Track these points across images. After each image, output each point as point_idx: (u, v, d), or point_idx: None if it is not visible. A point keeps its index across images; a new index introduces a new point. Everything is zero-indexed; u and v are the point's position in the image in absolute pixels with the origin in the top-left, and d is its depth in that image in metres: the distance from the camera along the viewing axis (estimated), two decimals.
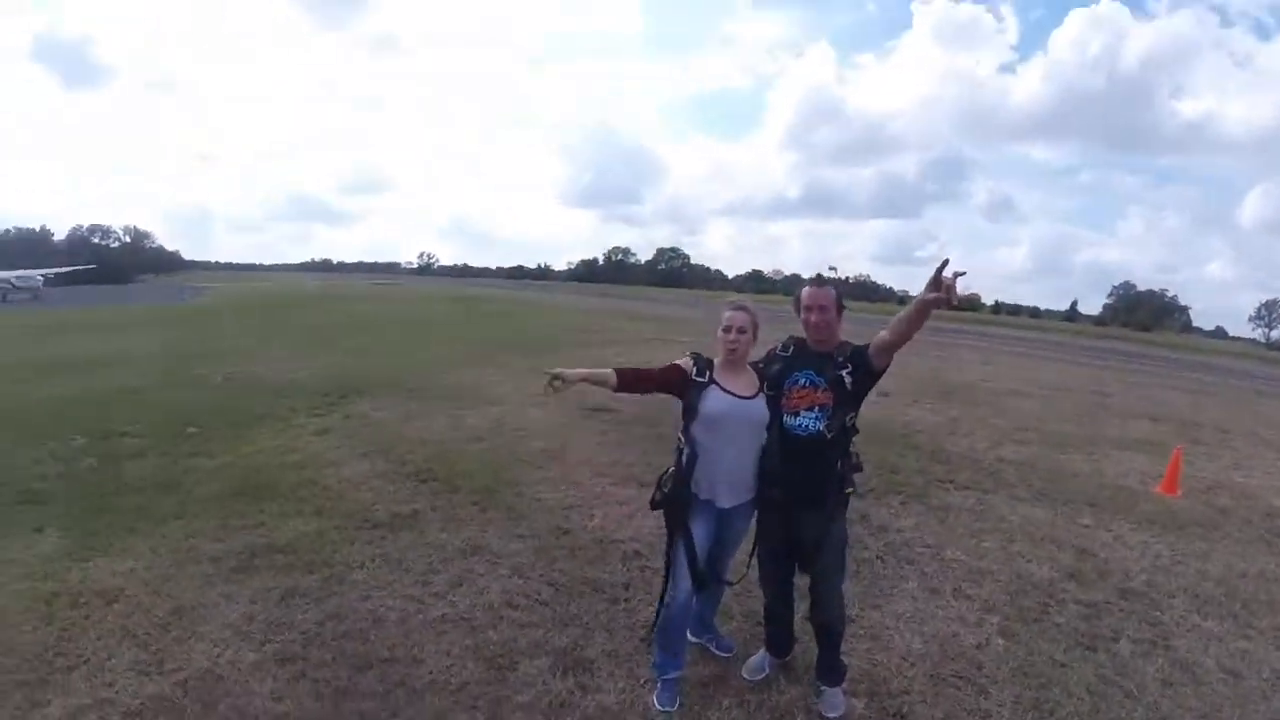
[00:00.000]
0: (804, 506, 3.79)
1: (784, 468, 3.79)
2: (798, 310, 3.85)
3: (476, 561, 5.16)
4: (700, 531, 3.72)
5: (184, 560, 5.11)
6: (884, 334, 3.63)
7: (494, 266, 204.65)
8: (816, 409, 3.77)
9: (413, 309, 35.66)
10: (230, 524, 5.71)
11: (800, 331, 3.89)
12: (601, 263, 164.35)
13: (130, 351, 16.41)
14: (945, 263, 3.30)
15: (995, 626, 4.85)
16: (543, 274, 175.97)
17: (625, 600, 4.79)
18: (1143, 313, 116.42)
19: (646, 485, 6.74)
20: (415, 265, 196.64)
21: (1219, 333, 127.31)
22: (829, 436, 3.74)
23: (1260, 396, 25.40)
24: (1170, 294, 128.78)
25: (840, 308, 3.84)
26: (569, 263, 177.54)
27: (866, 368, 3.76)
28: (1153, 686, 4.31)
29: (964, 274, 3.26)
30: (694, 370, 3.75)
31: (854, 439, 3.86)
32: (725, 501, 3.75)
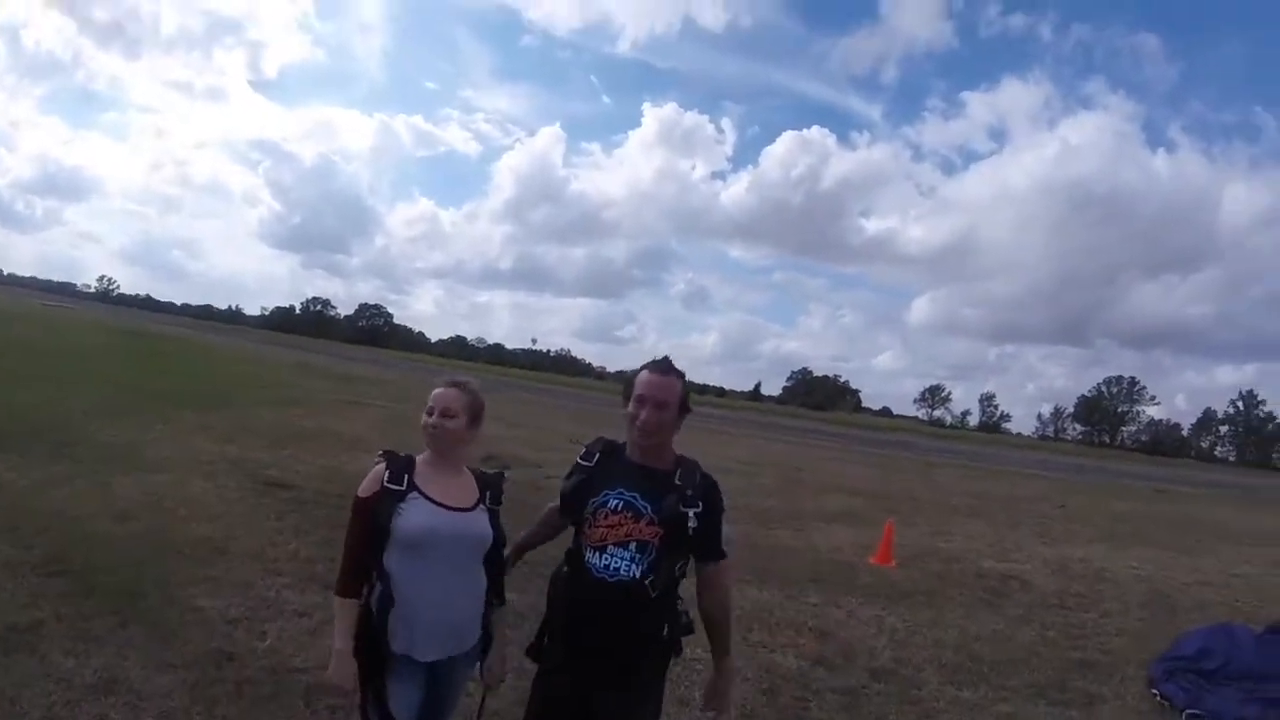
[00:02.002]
0: (601, 683, 2.81)
1: (577, 628, 2.86)
2: (626, 399, 2.92)
3: (113, 704, 3.96)
4: (403, 698, 2.77)
5: None
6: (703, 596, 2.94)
7: (180, 302, 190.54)
8: (633, 546, 2.79)
9: (79, 340, 31.81)
10: None
11: (610, 431, 3.14)
12: (299, 312, 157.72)
13: None
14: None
15: None
16: (234, 317, 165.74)
17: None
18: (819, 394, 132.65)
19: (330, 587, 5.94)
20: (94, 289, 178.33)
21: (885, 412, 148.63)
22: (650, 591, 2.79)
23: (933, 468, 28.59)
24: (843, 379, 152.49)
25: (684, 409, 2.94)
26: (264, 308, 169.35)
27: (713, 520, 2.88)
28: None
29: None
30: (386, 475, 2.81)
31: (678, 588, 2.95)
32: (431, 654, 2.78)
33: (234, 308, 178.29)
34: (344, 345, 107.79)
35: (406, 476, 2.82)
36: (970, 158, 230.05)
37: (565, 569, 2.97)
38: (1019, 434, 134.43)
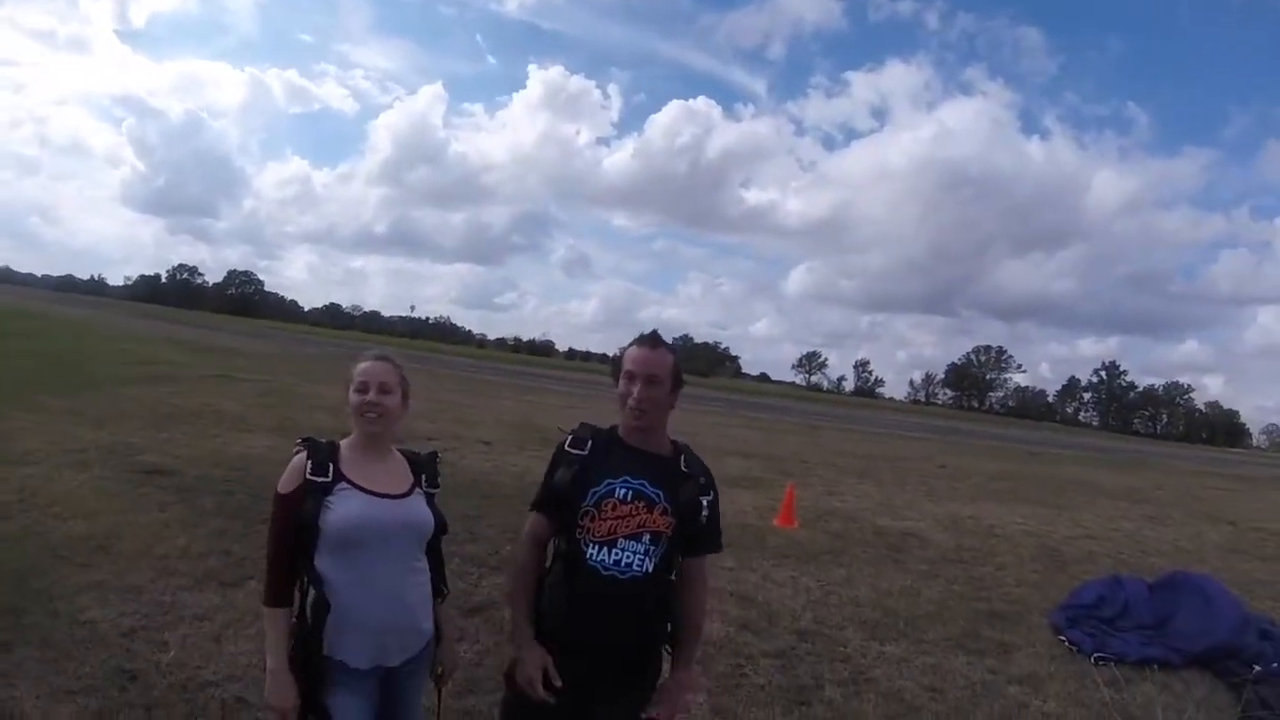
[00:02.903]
0: (603, 683, 2.63)
1: (581, 628, 2.61)
2: (616, 377, 2.72)
3: None
4: (351, 713, 2.49)
5: None
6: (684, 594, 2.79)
7: (40, 274, 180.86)
8: (647, 538, 2.59)
9: None
10: None
11: (597, 416, 2.95)
12: (165, 280, 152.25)
13: None
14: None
15: (705, 706, 4.52)
16: (97, 288, 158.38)
17: None
18: (699, 361, 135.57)
19: (230, 585, 5.67)
20: None
21: (764, 378, 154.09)
22: (661, 581, 2.67)
23: (818, 430, 29.37)
24: (723, 346, 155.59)
25: (677, 384, 2.74)
26: (127, 277, 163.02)
27: (717, 509, 2.80)
28: None
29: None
30: (308, 467, 2.52)
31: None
32: (378, 660, 2.53)
33: (97, 277, 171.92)
34: (213, 316, 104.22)
35: (331, 466, 2.54)
36: (851, 135, 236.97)
37: (559, 570, 2.70)
38: (892, 399, 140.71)
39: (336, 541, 2.47)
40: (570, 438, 2.75)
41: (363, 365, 2.66)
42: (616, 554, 2.57)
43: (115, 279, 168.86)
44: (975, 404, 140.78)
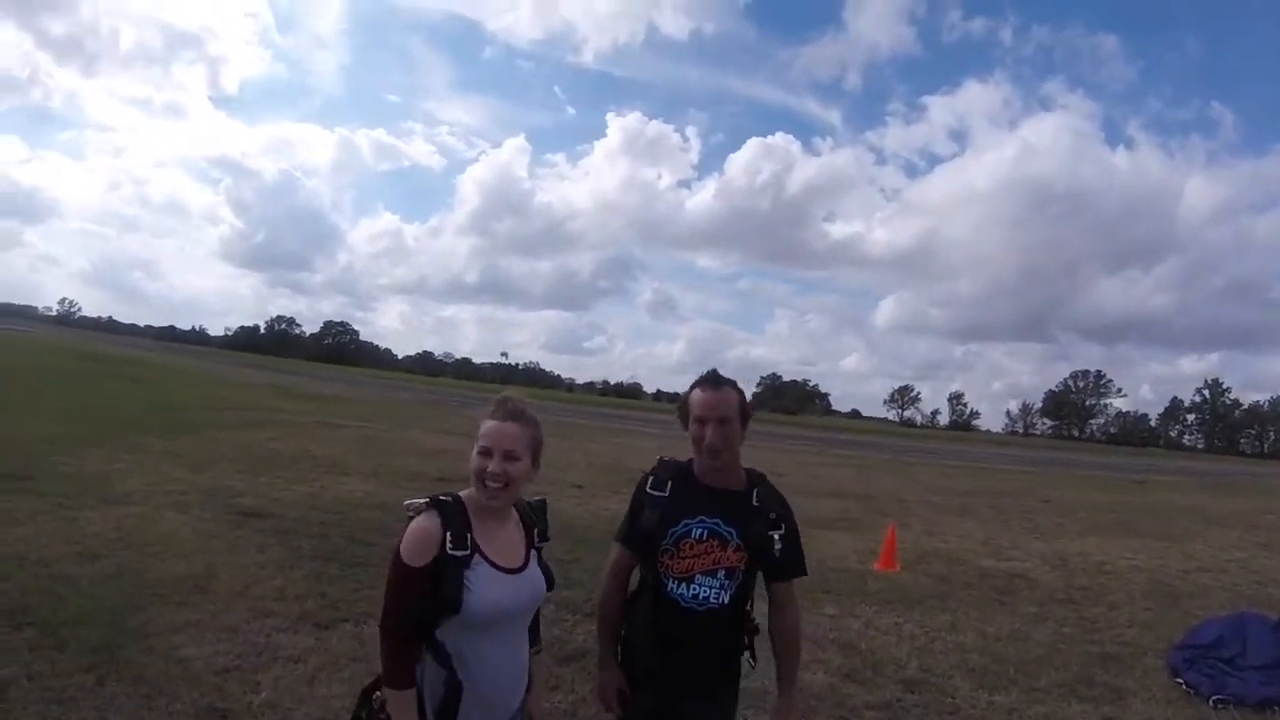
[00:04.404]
0: (688, 693, 2.77)
1: (664, 653, 2.76)
2: (684, 421, 2.80)
3: None
4: None
5: None
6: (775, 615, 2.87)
7: (143, 324, 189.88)
8: (721, 574, 2.72)
9: (40, 364, 30.97)
10: None
11: (669, 447, 3.07)
12: (263, 331, 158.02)
13: None
14: None
15: None
16: (198, 338, 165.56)
17: None
18: (788, 399, 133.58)
19: (325, 627, 5.60)
20: (55, 312, 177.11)
21: (855, 414, 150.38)
22: (737, 612, 2.78)
23: (913, 467, 28.58)
24: (812, 383, 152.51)
25: (746, 418, 2.81)
26: (228, 328, 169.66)
27: (795, 538, 2.84)
28: None
29: None
30: (447, 540, 2.27)
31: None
32: None
33: (198, 328, 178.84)
34: (310, 364, 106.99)
35: (468, 536, 2.31)
36: (932, 160, 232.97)
37: (644, 602, 2.84)
38: (989, 431, 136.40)
39: (475, 620, 2.28)
40: (651, 479, 2.87)
41: (489, 425, 2.40)
42: (695, 588, 2.72)
43: (216, 330, 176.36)
44: (1075, 432, 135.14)
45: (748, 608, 2.85)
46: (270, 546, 7.63)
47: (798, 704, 3.01)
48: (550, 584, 2.54)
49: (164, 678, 4.52)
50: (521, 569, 2.42)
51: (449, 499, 2.35)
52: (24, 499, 8.34)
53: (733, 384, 2.81)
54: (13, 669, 4.40)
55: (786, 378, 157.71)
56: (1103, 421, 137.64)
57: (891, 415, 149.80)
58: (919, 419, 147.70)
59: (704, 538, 2.73)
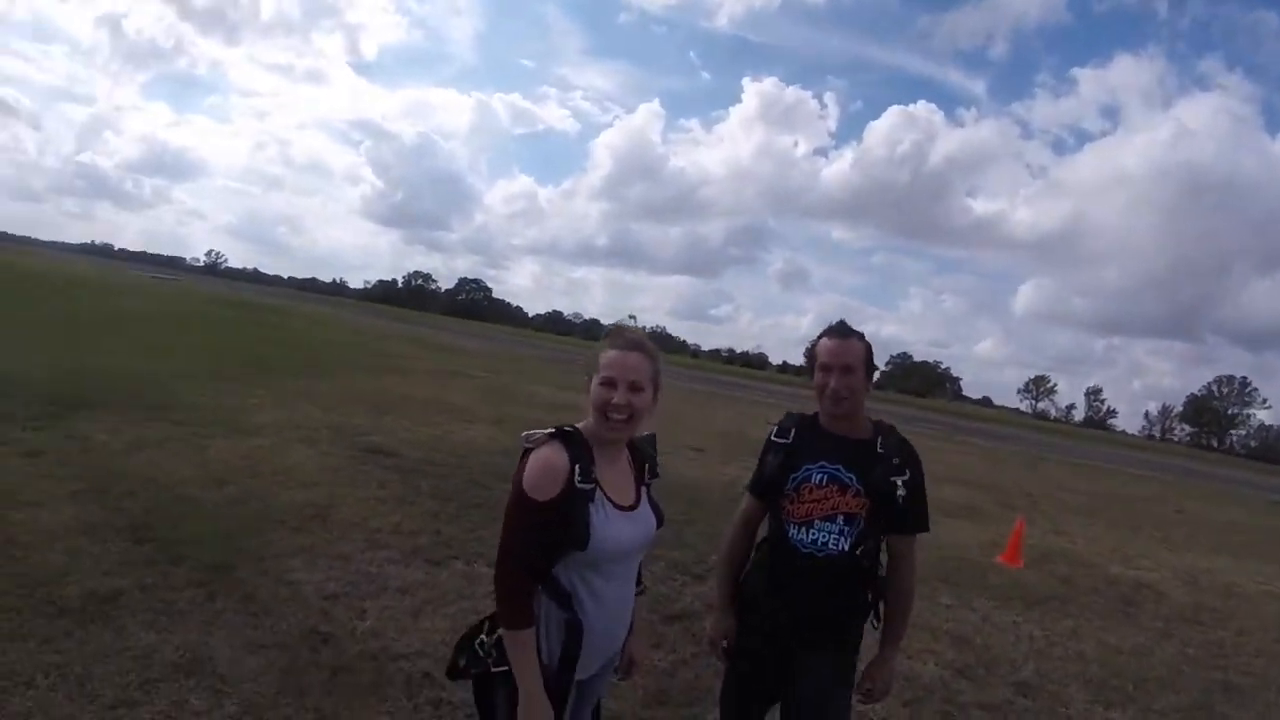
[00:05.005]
0: (804, 644, 2.73)
1: (783, 600, 2.74)
2: (811, 369, 2.77)
3: (194, 688, 3.47)
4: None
5: None
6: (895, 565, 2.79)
7: (286, 275, 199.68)
8: (841, 519, 2.67)
9: (185, 309, 32.62)
10: None
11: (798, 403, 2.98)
12: (400, 285, 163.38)
13: None
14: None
15: None
16: (337, 289, 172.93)
17: None
18: (917, 380, 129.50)
19: (436, 563, 5.58)
20: (202, 263, 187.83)
21: (985, 402, 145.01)
22: (861, 561, 2.69)
23: (1043, 462, 27.49)
24: (943, 366, 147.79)
25: (870, 370, 2.76)
26: (366, 281, 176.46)
27: (919, 487, 2.71)
28: None
29: None
30: (575, 470, 2.11)
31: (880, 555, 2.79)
32: (592, 669, 2.30)
33: (338, 280, 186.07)
34: (443, 318, 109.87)
35: (592, 470, 2.15)
36: (1081, 137, 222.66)
37: (765, 548, 2.88)
38: (1124, 432, 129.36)
39: (593, 560, 2.16)
40: (776, 427, 2.86)
41: (611, 354, 2.23)
42: (814, 534, 2.69)
43: (355, 283, 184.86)
44: (1214, 442, 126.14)
45: (871, 562, 2.75)
46: (391, 483, 7.70)
47: (894, 663, 2.90)
48: (660, 521, 2.40)
49: (273, 599, 4.56)
50: (634, 506, 2.29)
51: (572, 430, 2.20)
52: (158, 426, 8.63)
53: (860, 335, 2.76)
54: (127, 580, 4.49)
55: (917, 358, 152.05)
56: (1244, 433, 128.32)
57: (1024, 406, 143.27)
58: (1053, 412, 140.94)
59: (824, 483, 2.70)
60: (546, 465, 2.10)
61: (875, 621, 2.83)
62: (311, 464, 8.01)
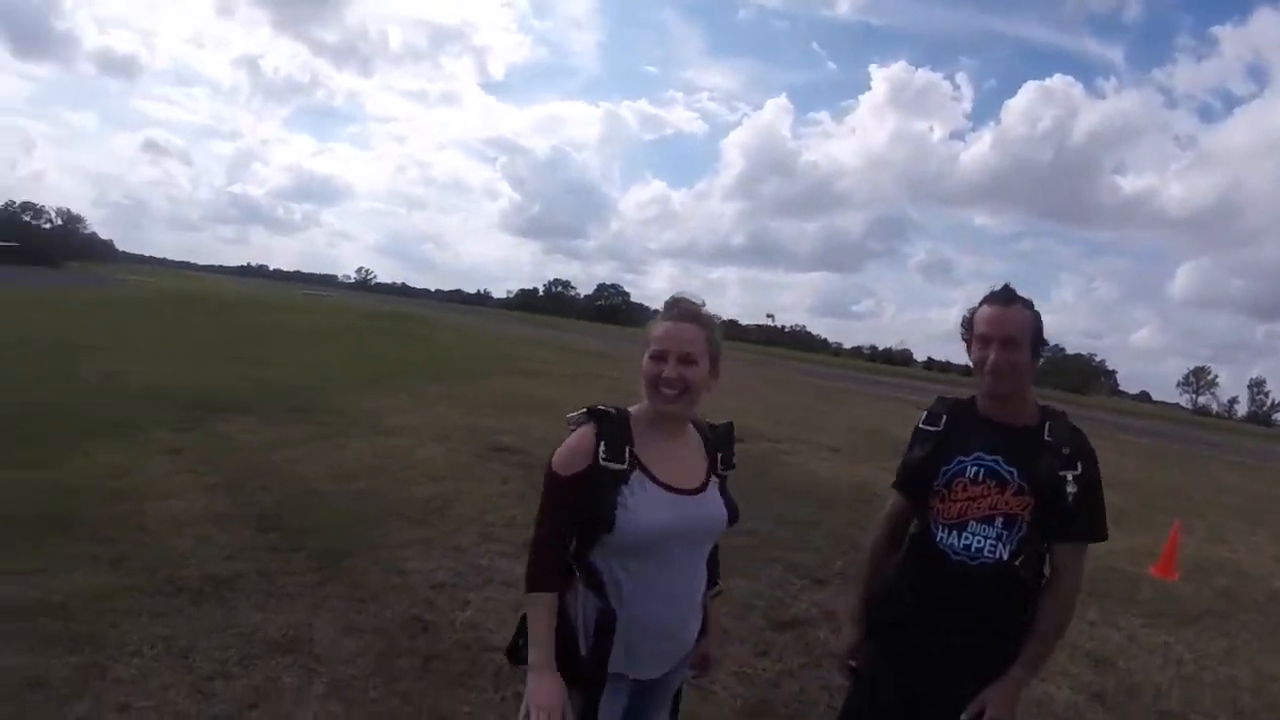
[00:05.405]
0: (945, 671, 2.32)
1: (928, 617, 2.36)
2: (967, 341, 2.41)
3: (289, 665, 3.64)
4: (609, 715, 2.10)
5: None
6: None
7: (433, 289, 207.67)
8: (999, 521, 2.28)
9: (335, 322, 34.13)
10: (1, 565, 4.34)
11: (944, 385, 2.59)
12: (540, 293, 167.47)
13: (6, 337, 14.57)
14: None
15: None
16: (481, 300, 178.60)
17: None
18: (1071, 374, 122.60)
19: None
20: (352, 279, 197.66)
21: (1143, 397, 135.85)
22: (1020, 572, 2.28)
23: (1205, 462, 25.51)
24: (1098, 358, 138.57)
25: (1039, 345, 2.37)
26: (508, 291, 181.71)
27: (1094, 486, 2.28)
28: None
29: None
30: (601, 450, 2.02)
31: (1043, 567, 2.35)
32: (650, 670, 2.14)
33: (481, 292, 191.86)
34: (582, 323, 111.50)
35: (628, 449, 2.04)
36: (1229, 101, 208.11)
37: (910, 552, 2.49)
38: None
39: (630, 544, 2.02)
40: (926, 414, 2.50)
41: (661, 327, 2.11)
42: (967, 538, 2.30)
43: (498, 293, 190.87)
44: None
45: (1032, 574, 2.33)
46: (514, 479, 7.82)
47: (1018, 692, 2.34)
48: (733, 517, 2.19)
49: (382, 586, 4.71)
50: (696, 491, 2.12)
51: (610, 409, 2.10)
52: (301, 427, 9.11)
53: (1028, 303, 2.36)
54: (247, 564, 4.75)
55: (1070, 351, 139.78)
56: None
57: (1184, 400, 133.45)
58: (1215, 407, 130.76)
59: (980, 478, 2.32)
60: (571, 442, 2.06)
61: None
62: (440, 461, 8.25)
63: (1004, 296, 2.34)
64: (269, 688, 3.46)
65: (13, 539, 4.74)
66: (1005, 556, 2.26)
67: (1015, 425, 2.34)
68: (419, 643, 4.04)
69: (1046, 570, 2.33)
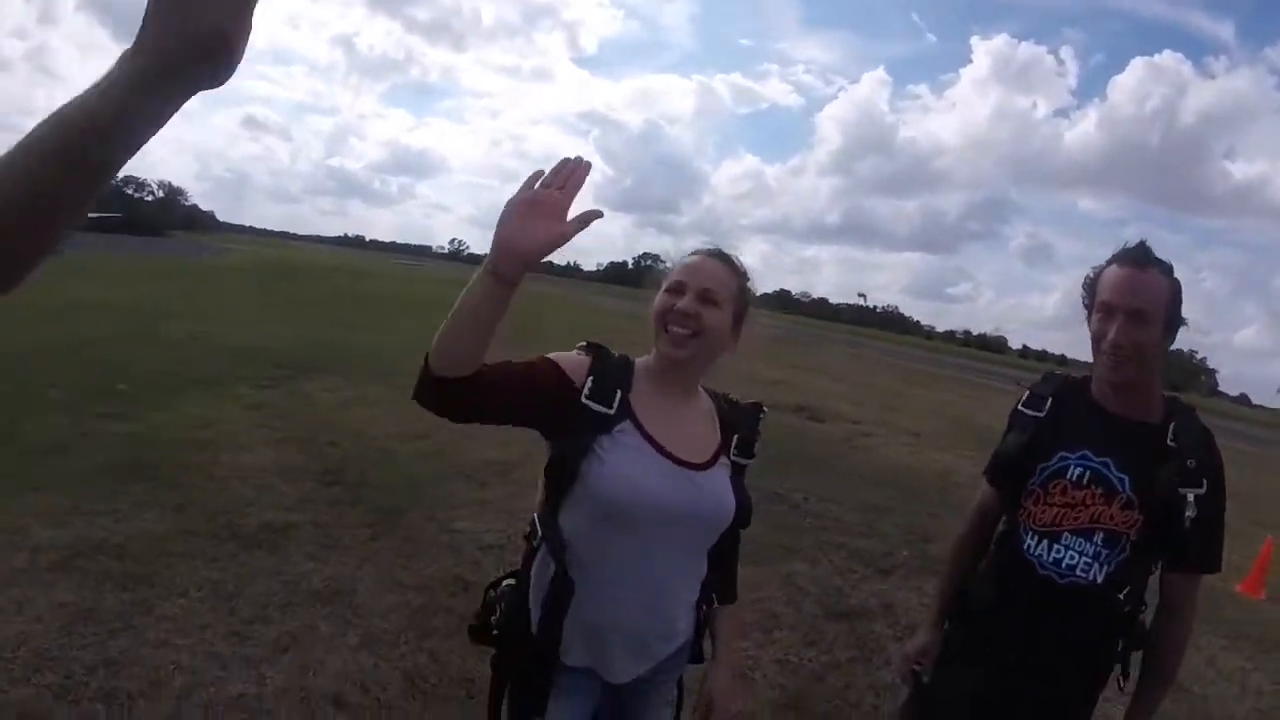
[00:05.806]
0: (1019, 696, 2.01)
1: (1006, 625, 2.05)
2: (1088, 309, 1.99)
3: (327, 615, 3.73)
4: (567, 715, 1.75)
5: (4, 546, 4.00)
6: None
7: None
8: (1099, 537, 1.92)
9: (426, 290, 34.72)
10: (83, 506, 4.59)
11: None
12: (630, 266, 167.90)
13: (113, 300, 15.13)
14: None
15: None
16: (570, 272, 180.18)
17: None
18: (1172, 371, 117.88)
19: None
20: (446, 250, 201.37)
21: (1243, 399, 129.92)
22: (1119, 602, 1.94)
23: None
24: (1199, 356, 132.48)
25: (1174, 324, 1.95)
26: (598, 264, 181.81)
27: (1218, 509, 1.93)
28: None
29: None
30: (588, 382, 1.68)
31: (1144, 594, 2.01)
32: (618, 673, 1.75)
33: (571, 264, 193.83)
34: None
35: (619, 394, 1.69)
36: None
37: (996, 554, 2.16)
38: None
39: (603, 506, 1.65)
40: (1027, 394, 2.12)
41: (689, 259, 1.79)
42: (1058, 551, 1.94)
43: (588, 265, 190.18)
44: None
45: (1131, 605, 1.99)
46: None
47: None
48: (743, 514, 1.80)
49: (432, 544, 4.78)
50: (698, 467, 1.74)
51: (611, 350, 1.78)
52: (377, 389, 9.25)
53: (1166, 268, 1.92)
54: (305, 516, 4.90)
55: (1172, 346, 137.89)
56: None
57: None
58: None
59: (1084, 481, 1.93)
60: (568, 357, 1.74)
61: (1121, 681, 2.04)
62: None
63: (1138, 257, 1.91)
64: (304, 634, 3.55)
65: (98, 484, 4.99)
66: (1100, 579, 1.92)
67: (1134, 420, 1.96)
68: (457, 601, 4.05)
69: (1145, 604, 2.03)
